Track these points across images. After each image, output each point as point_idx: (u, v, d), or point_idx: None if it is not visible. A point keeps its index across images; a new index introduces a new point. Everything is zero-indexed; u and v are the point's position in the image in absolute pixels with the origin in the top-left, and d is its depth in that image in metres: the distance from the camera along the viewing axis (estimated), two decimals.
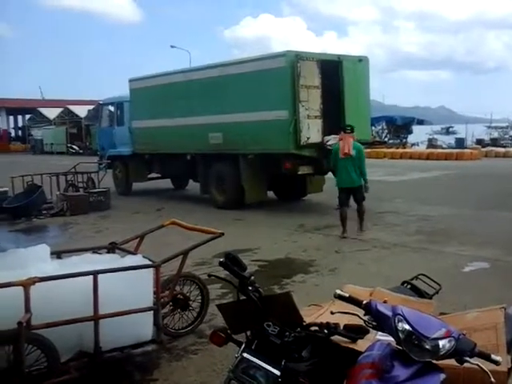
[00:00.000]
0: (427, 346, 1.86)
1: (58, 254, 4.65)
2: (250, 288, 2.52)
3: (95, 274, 3.78)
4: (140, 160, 15.47)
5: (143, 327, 4.18)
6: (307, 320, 2.62)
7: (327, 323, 2.47)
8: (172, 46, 47.98)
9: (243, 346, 2.44)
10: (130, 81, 15.50)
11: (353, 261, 7.70)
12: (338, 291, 2.17)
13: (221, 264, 2.59)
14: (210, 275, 2.96)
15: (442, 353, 1.87)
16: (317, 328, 2.49)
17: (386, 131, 37.75)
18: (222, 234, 4.73)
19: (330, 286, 5.84)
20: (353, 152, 9.13)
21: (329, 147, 11.15)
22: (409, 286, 3.55)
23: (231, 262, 2.58)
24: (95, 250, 4.99)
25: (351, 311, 2.20)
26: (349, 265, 7.45)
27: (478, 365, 1.92)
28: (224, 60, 13.23)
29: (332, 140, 11.19)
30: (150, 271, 4.22)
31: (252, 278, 2.55)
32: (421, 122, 40.88)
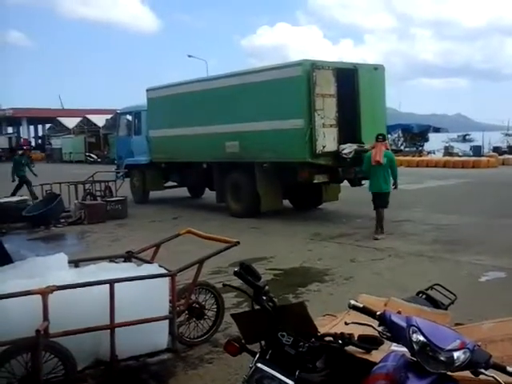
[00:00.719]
0: (442, 358, 1.85)
1: (75, 263, 4.70)
2: (265, 298, 2.50)
3: (112, 282, 3.82)
4: (157, 169, 15.60)
5: (159, 336, 4.21)
6: (321, 330, 2.61)
7: (341, 334, 2.45)
8: (189, 56, 48.35)
9: (257, 355, 2.43)
10: (148, 90, 15.66)
11: (368, 270, 7.66)
12: (353, 301, 2.16)
13: (235, 274, 2.58)
14: (224, 285, 2.97)
15: (456, 364, 1.85)
16: (331, 338, 2.47)
17: (402, 139, 37.49)
18: (238, 242, 4.74)
19: (344, 295, 5.82)
20: (383, 160, 9.73)
21: (344, 156, 11.14)
22: (424, 296, 3.52)
23: (245, 271, 2.56)
24: (112, 258, 5.03)
25: (365, 322, 2.19)
26: (364, 274, 7.41)
27: (493, 377, 1.90)
28: (241, 69, 13.30)
29: (348, 148, 11.18)
30: (166, 280, 4.25)
31: (266, 287, 2.54)
32: (437, 130, 40.56)
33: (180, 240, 5.51)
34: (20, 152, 19.75)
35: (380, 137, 9.96)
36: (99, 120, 44.38)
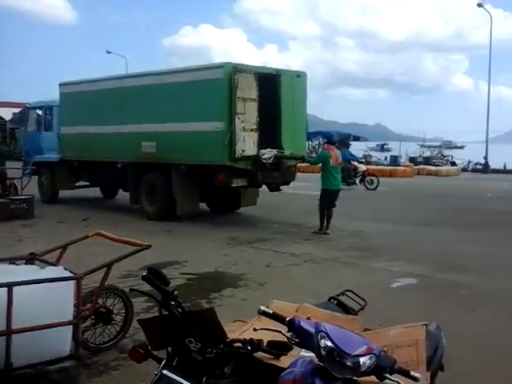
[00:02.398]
0: (348, 363, 1.86)
1: None
2: (173, 303, 2.45)
3: (10, 286, 3.56)
4: (68, 167, 14.95)
5: (61, 342, 3.98)
6: (231, 336, 2.56)
7: (251, 339, 2.42)
8: (108, 52, 47.03)
9: (163, 362, 2.36)
10: (61, 85, 15.00)
11: (283, 275, 7.71)
12: (262, 307, 2.13)
13: (143, 278, 2.51)
14: (132, 289, 2.86)
15: (362, 369, 1.87)
16: (240, 344, 2.44)
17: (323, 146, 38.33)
18: (149, 246, 4.62)
19: (258, 300, 5.77)
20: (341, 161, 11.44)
21: (264, 161, 11.22)
22: (335, 302, 3.56)
23: (154, 276, 2.50)
24: (12, 260, 4.71)
25: (274, 328, 2.17)
26: (279, 279, 7.45)
27: (397, 381, 1.93)
28: (161, 68, 13.07)
29: (267, 154, 11.27)
30: (71, 284, 4.03)
31: (175, 292, 2.49)
32: (357, 139, 42.05)
33: (89, 242, 5.28)
34: None
35: (335, 141, 11.84)
36: (6, 113, 41.90)
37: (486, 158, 34.41)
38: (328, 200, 10.96)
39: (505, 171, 34.16)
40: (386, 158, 38.51)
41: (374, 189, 20.11)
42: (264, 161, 11.22)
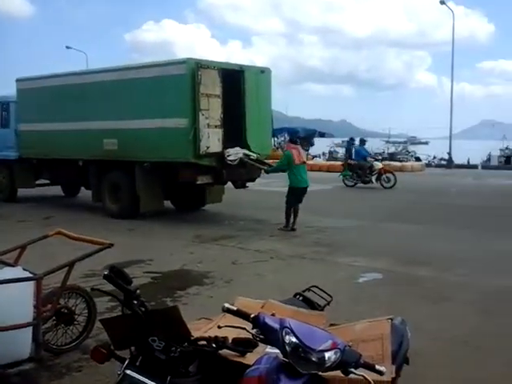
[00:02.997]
0: (313, 358, 1.85)
1: None
2: (136, 302, 2.42)
3: None
4: (27, 165, 14.53)
5: (20, 344, 3.89)
6: (196, 334, 2.53)
7: (215, 337, 2.40)
8: (68, 47, 46.06)
9: (126, 362, 2.33)
10: (18, 80, 14.53)
11: (250, 272, 7.69)
12: (226, 305, 2.11)
13: (105, 277, 2.47)
14: (93, 289, 2.80)
15: (327, 365, 1.87)
16: (205, 342, 2.42)
17: None
18: (112, 244, 4.53)
19: (224, 298, 5.74)
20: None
21: (229, 162, 11.16)
22: (301, 298, 3.56)
23: (116, 274, 2.46)
24: None
25: (239, 325, 2.15)
26: (245, 276, 7.44)
27: (362, 375, 1.93)
28: (123, 64, 12.85)
29: (233, 156, 11.21)
30: (31, 284, 3.92)
31: (138, 291, 2.46)
32: (322, 135, 42.24)
33: (50, 242, 5.13)
34: None
35: (297, 140, 11.92)
36: None
37: (449, 153, 35.08)
38: (295, 197, 11.02)
39: (468, 166, 35.01)
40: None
41: (391, 187, 19.20)
42: (229, 162, 11.18)
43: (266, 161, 12.37)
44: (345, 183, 20.39)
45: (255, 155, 11.68)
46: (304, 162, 11.32)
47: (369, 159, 20.34)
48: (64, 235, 4.90)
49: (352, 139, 26.78)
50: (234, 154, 11.25)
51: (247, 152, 11.53)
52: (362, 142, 21.74)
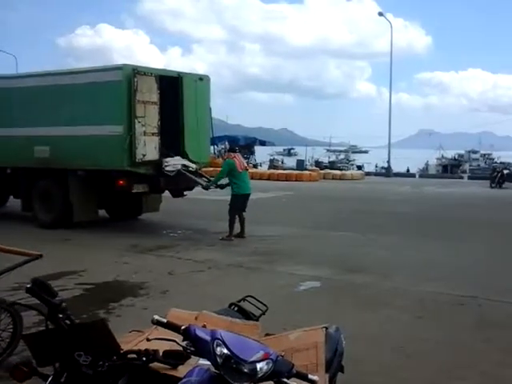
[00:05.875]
0: (245, 370, 1.81)
1: None
2: (61, 316, 2.30)
3: None
4: None
5: None
6: (126, 347, 2.43)
7: (146, 350, 2.31)
8: None
9: (50, 379, 2.22)
10: None
11: (186, 282, 7.58)
12: (156, 317, 2.04)
13: (27, 290, 2.35)
14: (15, 303, 2.65)
15: (259, 375, 1.83)
16: (135, 356, 2.32)
17: None
18: (41, 255, 4.32)
19: (160, 309, 5.59)
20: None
21: (167, 173, 10.99)
22: (236, 309, 3.51)
23: (39, 287, 2.33)
24: None
25: (169, 337, 2.08)
26: (182, 287, 7.31)
27: None
28: (56, 69, 12.42)
29: (171, 167, 11.04)
30: None
31: (63, 304, 2.34)
32: (263, 143, 42.53)
33: None
34: None
35: (236, 148, 12.13)
36: None
37: (388, 162, 36.18)
38: (239, 205, 11.01)
39: (407, 175, 36.36)
40: (296, 163, 38.76)
41: None
42: (166, 172, 11.02)
43: (204, 174, 12.30)
44: None
45: (194, 166, 11.59)
46: (247, 169, 11.54)
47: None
48: None
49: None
50: (173, 164, 11.10)
51: (187, 163, 11.41)
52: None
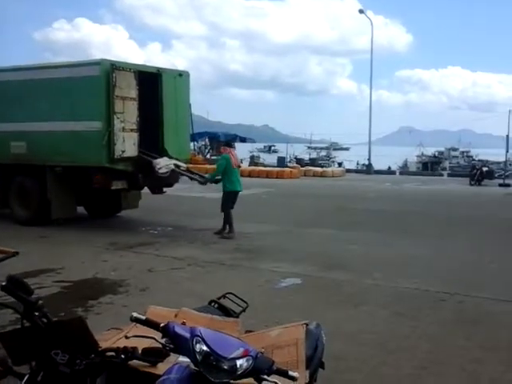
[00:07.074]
0: (225, 367, 1.80)
1: None
2: (37, 313, 2.26)
3: None
4: None
5: None
6: (104, 345, 2.40)
7: (124, 347, 2.29)
8: None
9: (26, 378, 2.19)
10: None
11: (166, 280, 7.54)
12: (135, 314, 2.02)
13: (2, 288, 2.29)
14: None
15: (239, 372, 1.82)
16: (113, 353, 2.29)
17: (209, 147, 38.28)
18: (17, 253, 4.20)
19: (139, 306, 5.56)
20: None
21: (161, 175, 10.87)
22: (216, 306, 3.49)
23: (15, 285, 2.28)
24: None
25: (148, 334, 2.05)
26: (162, 284, 7.27)
27: (275, 382, 1.90)
28: (33, 63, 12.21)
29: (164, 168, 10.91)
30: None
31: (40, 302, 2.29)
32: (243, 140, 42.39)
33: None
34: None
35: (232, 143, 12.18)
36: None
37: (369, 159, 36.36)
38: (230, 201, 11.00)
39: (387, 172, 36.63)
40: (277, 159, 38.62)
41: None
42: (160, 174, 10.90)
43: (196, 171, 12.29)
44: None
45: (185, 165, 11.55)
46: (239, 166, 11.59)
47: None
48: None
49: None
50: (165, 165, 10.99)
51: (178, 162, 11.34)
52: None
